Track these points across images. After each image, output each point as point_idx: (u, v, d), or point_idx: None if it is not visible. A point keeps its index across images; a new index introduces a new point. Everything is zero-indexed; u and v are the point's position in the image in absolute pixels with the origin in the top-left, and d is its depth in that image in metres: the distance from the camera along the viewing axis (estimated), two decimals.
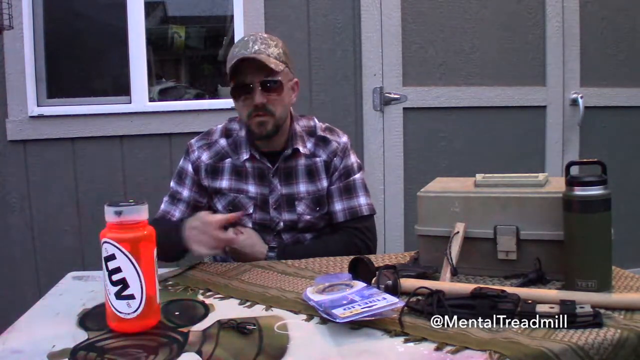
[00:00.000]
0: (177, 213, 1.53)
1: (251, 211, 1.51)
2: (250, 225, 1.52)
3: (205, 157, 1.52)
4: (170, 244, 1.31)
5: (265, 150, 1.51)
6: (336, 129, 1.60)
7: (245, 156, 1.50)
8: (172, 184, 1.57)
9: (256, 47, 1.42)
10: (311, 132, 1.56)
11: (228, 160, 1.52)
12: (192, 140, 1.57)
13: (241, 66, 1.41)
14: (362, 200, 1.54)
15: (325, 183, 1.53)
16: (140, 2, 2.46)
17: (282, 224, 1.52)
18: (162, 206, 1.55)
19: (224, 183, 1.52)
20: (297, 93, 1.54)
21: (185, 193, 1.53)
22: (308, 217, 1.52)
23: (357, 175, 1.56)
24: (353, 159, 1.57)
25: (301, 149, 1.51)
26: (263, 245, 1.47)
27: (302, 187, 1.52)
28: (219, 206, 1.53)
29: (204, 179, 1.52)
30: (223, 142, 1.54)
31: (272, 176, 1.51)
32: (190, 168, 1.53)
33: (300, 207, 1.52)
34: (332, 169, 1.54)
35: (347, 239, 1.51)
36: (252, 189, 1.52)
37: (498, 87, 2.72)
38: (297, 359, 0.83)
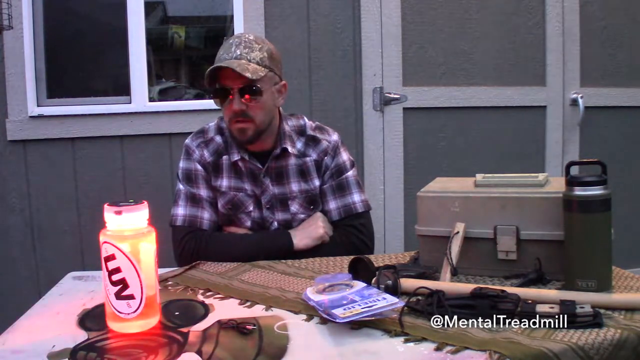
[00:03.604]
0: (206, 215, 1.49)
1: (251, 209, 1.52)
2: (249, 223, 1.52)
3: (206, 154, 1.51)
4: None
5: (254, 151, 1.50)
6: (326, 127, 1.59)
7: (235, 157, 1.49)
8: (181, 187, 1.51)
9: (238, 52, 1.40)
10: (301, 132, 1.55)
11: (225, 157, 1.51)
12: (188, 141, 1.54)
13: (221, 71, 1.39)
14: (356, 197, 1.54)
15: (317, 182, 1.53)
16: (140, 2, 2.46)
17: (275, 223, 1.52)
18: (181, 211, 1.48)
19: (224, 182, 1.51)
20: (285, 95, 1.52)
21: (203, 192, 1.50)
22: (302, 216, 1.52)
23: (350, 173, 1.55)
24: (345, 156, 1.56)
25: (290, 149, 1.50)
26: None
27: (295, 187, 1.52)
28: (218, 205, 1.52)
29: (212, 177, 1.51)
30: (219, 138, 1.53)
31: (263, 176, 1.50)
32: (198, 166, 1.50)
33: (294, 207, 1.52)
34: (324, 168, 1.53)
35: (344, 237, 1.50)
36: (248, 187, 1.51)
37: (498, 87, 2.71)
38: (297, 359, 0.83)
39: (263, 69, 1.41)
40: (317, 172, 1.53)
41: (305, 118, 1.59)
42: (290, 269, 1.30)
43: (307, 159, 1.53)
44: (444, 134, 2.70)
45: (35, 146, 2.38)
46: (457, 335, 0.87)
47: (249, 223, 1.52)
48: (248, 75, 1.37)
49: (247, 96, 1.41)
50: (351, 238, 1.50)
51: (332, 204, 1.53)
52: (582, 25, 2.75)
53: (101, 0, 2.65)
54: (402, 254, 1.40)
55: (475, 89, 2.69)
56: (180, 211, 1.49)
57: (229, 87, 1.41)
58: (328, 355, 0.84)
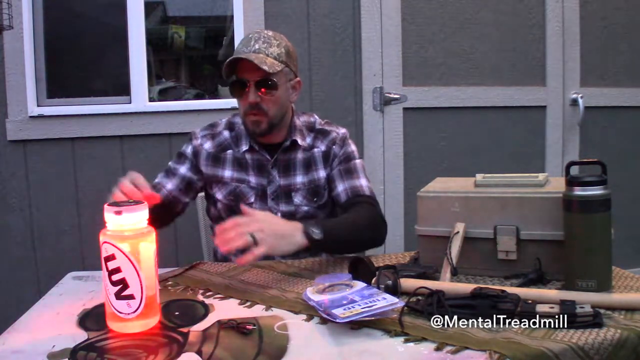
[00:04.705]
0: (169, 185, 1.55)
1: (252, 201, 1.54)
2: None
3: (207, 145, 1.56)
4: None
5: (264, 142, 1.54)
6: (335, 125, 1.63)
7: (244, 147, 1.53)
8: (169, 163, 1.60)
9: (257, 46, 1.45)
10: (311, 127, 1.60)
11: (230, 152, 1.55)
12: (197, 129, 1.60)
13: (239, 63, 1.44)
14: (363, 182, 1.54)
15: (322, 173, 1.55)
16: (140, 2, 2.46)
17: (279, 214, 1.53)
18: (156, 179, 1.57)
19: (226, 173, 1.55)
20: (299, 92, 1.57)
21: (182, 170, 1.56)
22: (305, 208, 1.54)
23: (357, 161, 1.58)
24: (353, 147, 1.60)
25: (300, 141, 1.54)
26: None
27: (299, 178, 1.55)
28: (220, 195, 1.55)
29: (203, 164, 1.55)
30: (226, 134, 1.57)
31: (271, 167, 1.54)
32: (190, 151, 1.57)
33: (297, 199, 1.54)
34: (332, 157, 1.56)
35: (364, 210, 1.45)
36: (252, 179, 1.54)
37: (498, 87, 2.71)
38: (297, 359, 0.83)
39: (280, 64, 1.45)
40: (324, 163, 1.56)
41: (316, 116, 1.64)
42: (290, 269, 1.30)
43: (315, 150, 1.56)
44: (444, 134, 2.70)
45: (35, 146, 2.38)
46: (457, 335, 0.87)
47: None
48: (265, 68, 1.40)
49: (263, 89, 1.44)
50: (371, 209, 1.46)
51: (340, 187, 1.54)
52: (582, 25, 2.75)
53: (101, 0, 2.65)
54: (402, 254, 1.41)
55: (475, 89, 2.69)
56: (156, 180, 1.56)
57: (246, 80, 1.44)
58: (328, 355, 0.84)
